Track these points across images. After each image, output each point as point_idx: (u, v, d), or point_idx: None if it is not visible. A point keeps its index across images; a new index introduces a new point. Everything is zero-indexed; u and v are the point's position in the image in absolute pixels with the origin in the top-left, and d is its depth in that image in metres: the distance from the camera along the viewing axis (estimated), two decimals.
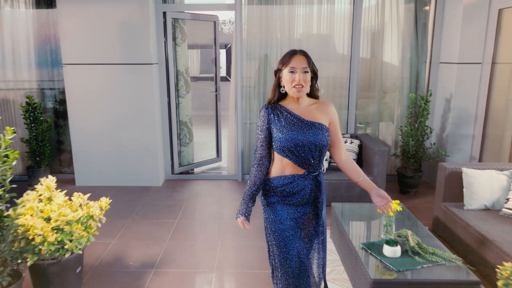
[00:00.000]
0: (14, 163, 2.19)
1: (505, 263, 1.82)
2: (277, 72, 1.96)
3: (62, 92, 5.02)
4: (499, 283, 1.77)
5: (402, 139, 4.52)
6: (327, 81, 5.02)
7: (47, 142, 4.76)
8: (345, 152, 2.01)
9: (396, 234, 2.60)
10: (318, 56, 4.94)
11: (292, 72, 1.88)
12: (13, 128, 2.21)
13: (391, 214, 2.15)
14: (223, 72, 10.57)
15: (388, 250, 2.46)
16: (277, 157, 1.94)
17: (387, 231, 2.62)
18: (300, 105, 1.93)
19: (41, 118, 4.67)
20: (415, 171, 4.45)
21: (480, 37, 4.20)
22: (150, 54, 4.56)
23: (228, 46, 10.24)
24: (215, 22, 5.32)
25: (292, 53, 1.95)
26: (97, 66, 4.57)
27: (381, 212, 1.92)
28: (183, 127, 5.29)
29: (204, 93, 7.36)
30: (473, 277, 2.21)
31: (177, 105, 5.13)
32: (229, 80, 6.18)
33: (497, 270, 1.86)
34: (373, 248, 2.57)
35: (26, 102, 4.56)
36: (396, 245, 2.47)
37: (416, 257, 2.41)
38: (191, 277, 2.92)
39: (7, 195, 2.19)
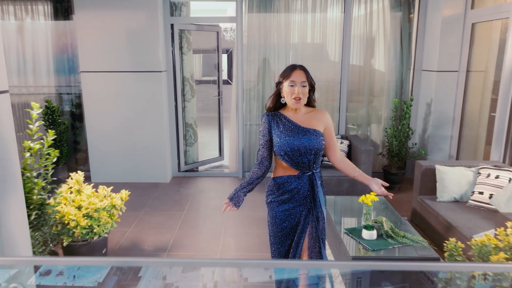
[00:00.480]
0: (54, 159, 2.62)
1: (450, 239, 2.25)
2: (278, 84, 2.19)
3: (78, 96, 5.46)
4: (445, 254, 2.20)
5: (387, 140, 4.95)
6: (321, 85, 5.45)
7: (65, 143, 5.19)
8: (339, 152, 2.30)
9: (373, 221, 3.02)
10: (312, 62, 5.38)
11: (292, 85, 2.11)
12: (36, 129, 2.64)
13: (390, 197, 2.36)
14: (224, 75, 11.00)
15: (366, 234, 2.89)
16: (277, 160, 2.22)
17: (366, 218, 3.05)
18: (298, 114, 2.18)
19: (59, 121, 5.10)
20: (399, 169, 4.88)
21: (456, 48, 4.63)
22: (159, 62, 4.99)
23: (229, 51, 10.67)
24: (217, 32, 5.75)
25: (293, 68, 2.15)
26: (111, 74, 5.00)
27: (381, 195, 2.21)
28: (188, 129, 5.72)
29: (207, 96, 7.80)
30: (434, 254, 2.64)
31: (183, 108, 5.57)
32: (230, 83, 6.60)
33: (444, 244, 2.29)
34: (354, 232, 2.99)
35: (45, 106, 5.00)
36: (373, 230, 2.89)
37: (389, 240, 2.83)
38: None
39: (49, 186, 2.62)
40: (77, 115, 5.58)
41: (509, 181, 3.30)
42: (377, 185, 2.17)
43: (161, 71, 5.02)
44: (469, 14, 4.48)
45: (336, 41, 5.33)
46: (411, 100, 4.77)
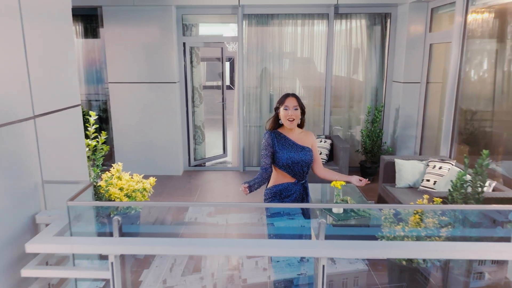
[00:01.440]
0: (106, 153, 3.52)
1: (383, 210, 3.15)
2: (276, 109, 2.68)
3: (105, 103, 6.37)
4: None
5: (362, 139, 5.85)
6: (309, 92, 6.34)
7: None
8: (321, 165, 2.83)
9: (341, 199, 3.92)
10: (302, 73, 6.27)
11: (286, 109, 2.58)
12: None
13: (368, 182, 3.03)
14: (227, 81, 11.91)
15: (335, 209, 3.78)
16: (275, 171, 2.69)
17: (336, 198, 3.95)
18: (293, 133, 2.67)
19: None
20: (373, 163, 5.77)
21: (418, 63, 5.53)
22: (173, 74, 5.90)
23: (232, 59, 11.57)
24: (222, 47, 6.66)
25: (286, 96, 2.64)
26: (134, 84, 5.91)
27: (361, 186, 2.64)
28: (197, 130, 6.62)
29: (211, 100, 8.70)
30: (375, 222, 3.54)
31: (193, 113, 6.47)
32: (233, 88, 7.48)
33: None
34: (327, 209, 3.89)
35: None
36: (342, 201, 3.79)
37: (352, 213, 3.73)
38: (210, 229, 4.25)
39: (100, 172, 3.52)
40: (104, 119, 6.49)
41: (448, 170, 4.19)
42: (356, 181, 2.62)
43: (175, 82, 5.92)
44: (427, 36, 5.38)
45: (321, 54, 6.23)
46: (382, 106, 5.67)
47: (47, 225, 2.21)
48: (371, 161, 5.75)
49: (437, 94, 5.36)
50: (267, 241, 2.41)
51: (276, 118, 2.69)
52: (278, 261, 3.06)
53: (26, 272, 1.95)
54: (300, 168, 2.67)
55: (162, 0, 5.62)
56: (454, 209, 2.72)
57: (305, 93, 6.34)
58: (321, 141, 5.76)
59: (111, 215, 3.24)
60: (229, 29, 7.73)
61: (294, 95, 2.65)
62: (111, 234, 2.03)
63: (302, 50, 6.28)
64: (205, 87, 9.85)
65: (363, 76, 6.25)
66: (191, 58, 6.27)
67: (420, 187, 4.33)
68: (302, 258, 2.95)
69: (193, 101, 6.44)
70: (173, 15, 5.77)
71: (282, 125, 2.68)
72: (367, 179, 2.67)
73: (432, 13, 5.29)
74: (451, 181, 2.82)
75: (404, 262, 2.78)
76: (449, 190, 2.84)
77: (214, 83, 10.52)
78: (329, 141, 5.79)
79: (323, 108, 6.31)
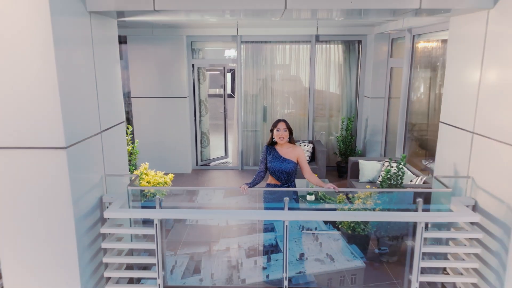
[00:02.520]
0: (137, 155, 4.67)
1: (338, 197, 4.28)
2: (271, 130, 3.61)
3: (127, 113, 7.52)
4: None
5: (338, 144, 6.99)
6: (296, 104, 7.48)
7: None
8: (310, 171, 3.56)
9: (314, 190, 5.06)
10: (291, 88, 7.42)
11: (278, 131, 3.52)
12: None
13: (337, 190, 4.05)
14: (228, 90, 13.06)
15: (308, 197, 4.92)
16: (270, 174, 3.64)
17: (311, 190, 5.08)
18: (282, 148, 3.55)
19: None
20: (346, 163, 6.90)
21: (382, 82, 6.67)
22: (184, 90, 7.04)
23: (232, 70, 12.71)
24: (224, 67, 7.81)
25: (278, 121, 3.57)
26: (151, 98, 7.05)
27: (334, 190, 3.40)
28: (203, 135, 7.77)
29: (214, 108, 9.83)
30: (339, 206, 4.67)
31: (200, 121, 7.62)
32: (233, 97, 8.60)
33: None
34: (303, 197, 5.02)
35: None
36: (312, 195, 4.93)
37: (321, 200, 4.86)
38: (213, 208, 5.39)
39: (134, 171, 4.66)
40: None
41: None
42: (331, 187, 3.43)
43: (185, 97, 7.07)
44: (389, 61, 6.52)
45: (306, 73, 7.36)
46: (353, 117, 6.81)
47: (110, 203, 3.35)
48: (345, 161, 6.88)
49: (396, 108, 6.50)
50: (250, 211, 3.56)
51: (272, 137, 3.64)
52: (277, 260, 3.88)
53: (104, 230, 3.10)
54: (280, 174, 3.56)
55: (176, 31, 6.76)
56: (384, 193, 3.86)
57: (293, 104, 7.48)
58: (304, 145, 6.90)
59: (148, 198, 4.40)
60: (229, 50, 8.89)
61: (284, 120, 3.59)
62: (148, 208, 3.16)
63: (290, 69, 7.43)
64: (209, 95, 11.01)
65: (340, 91, 7.39)
66: (198, 76, 7.42)
67: (377, 182, 5.47)
68: (301, 257, 3.86)
69: (200, 112, 7.59)
70: (184, 42, 6.92)
71: (276, 142, 3.62)
72: (333, 185, 3.64)
73: (392, 42, 6.44)
74: (381, 175, 3.96)
75: (349, 231, 3.92)
76: (379, 181, 3.98)
77: (217, 91, 11.67)
78: (311, 145, 6.92)
79: (307, 117, 7.45)
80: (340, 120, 7.29)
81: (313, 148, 6.90)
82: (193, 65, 7.22)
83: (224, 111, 8.04)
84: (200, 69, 7.44)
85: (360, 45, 7.09)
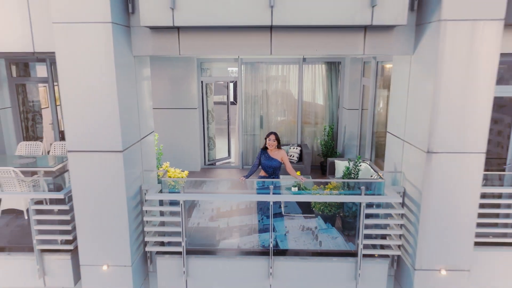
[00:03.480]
0: (161, 156, 5.96)
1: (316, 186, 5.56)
2: (265, 139, 5.23)
3: None
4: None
5: (321, 147, 8.28)
6: (287, 113, 8.76)
7: None
8: (290, 167, 5.14)
9: (297, 182, 6.34)
10: (283, 99, 8.70)
11: (269, 140, 5.14)
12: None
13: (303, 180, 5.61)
14: (231, 98, 14.36)
15: (293, 188, 6.19)
16: (260, 169, 5.34)
17: (295, 183, 6.37)
18: (271, 151, 5.14)
19: None
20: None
21: (357, 97, 7.94)
22: (194, 102, 8.33)
23: (234, 81, 14.01)
24: (228, 82, 9.11)
25: (270, 133, 5.18)
26: (167, 109, 8.34)
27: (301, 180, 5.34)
28: (210, 140, 9.06)
29: (219, 114, 11.09)
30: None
31: (207, 128, 8.91)
32: (235, 104, 9.90)
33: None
34: (288, 188, 6.29)
35: None
36: (296, 186, 6.20)
37: (302, 190, 6.13)
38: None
39: (160, 168, 5.96)
40: None
41: (363, 166, 6.60)
42: (301, 179, 5.06)
43: (195, 108, 8.36)
44: (362, 80, 7.80)
45: (295, 87, 8.65)
46: (333, 125, 8.09)
47: (146, 190, 4.64)
48: (326, 161, 8.16)
49: (367, 117, 7.77)
50: (246, 194, 4.87)
51: (265, 143, 5.23)
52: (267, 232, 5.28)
53: (145, 207, 4.41)
54: (268, 168, 5.15)
55: None
56: (343, 183, 5.14)
57: (284, 113, 8.76)
58: (294, 148, 8.19)
59: (171, 187, 5.66)
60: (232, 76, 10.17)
61: (274, 133, 5.16)
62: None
63: (282, 84, 8.71)
64: (215, 103, 12.30)
65: (324, 103, 8.67)
66: (206, 91, 8.72)
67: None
68: (286, 233, 5.20)
69: (207, 120, 8.89)
70: (195, 63, 8.22)
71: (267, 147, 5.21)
72: (302, 177, 5.07)
73: (364, 65, 7.71)
74: (343, 170, 5.26)
75: (320, 212, 5.19)
76: (342, 176, 5.26)
77: (221, 98, 12.96)
78: (299, 148, 8.21)
79: (297, 124, 8.73)
80: (323, 127, 8.58)
81: (301, 151, 8.18)
82: (202, 81, 8.52)
83: (227, 119, 9.33)
84: (207, 84, 8.74)
85: (340, 66, 8.37)
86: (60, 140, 8.38)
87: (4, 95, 8.07)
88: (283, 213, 5.47)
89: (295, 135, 8.76)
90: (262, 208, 5.28)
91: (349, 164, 5.60)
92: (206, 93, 8.76)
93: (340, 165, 6.90)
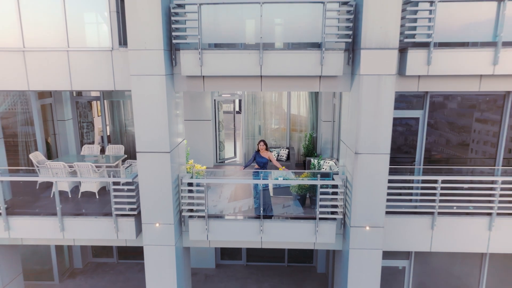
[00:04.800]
0: (188, 156, 8.38)
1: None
2: (257, 144, 7.97)
3: None
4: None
5: (304, 149, 10.65)
6: (278, 122, 11.13)
7: None
8: (275, 161, 7.94)
9: (281, 176, 8.72)
10: (277, 110, 11.09)
11: (260, 145, 7.92)
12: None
13: (281, 169, 8.05)
14: (236, 108, 16.80)
15: (280, 179, 8.56)
16: (255, 163, 8.00)
17: (280, 176, 8.75)
18: (262, 152, 7.92)
19: None
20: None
21: (330, 112, 10.29)
22: (209, 115, 10.73)
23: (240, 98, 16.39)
24: (234, 100, 11.52)
25: (260, 140, 8.06)
26: (189, 121, 10.74)
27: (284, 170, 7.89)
28: (221, 143, 11.47)
29: (227, 122, 13.50)
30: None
31: (218, 134, 11.32)
32: (240, 113, 12.34)
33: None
34: (276, 178, 8.66)
35: None
36: (281, 177, 8.56)
37: (285, 179, 8.50)
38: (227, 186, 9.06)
39: (188, 162, 8.36)
40: None
41: (330, 163, 8.97)
42: (283, 168, 7.81)
43: (209, 120, 10.77)
44: (334, 100, 10.16)
45: (285, 103, 11.02)
46: (313, 132, 10.47)
47: (182, 177, 7.03)
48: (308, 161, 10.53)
49: (336, 128, 10.11)
50: (246, 179, 7.31)
51: (258, 147, 7.69)
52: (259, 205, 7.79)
53: (182, 187, 6.83)
54: (260, 163, 7.71)
55: None
56: (310, 172, 7.51)
57: (277, 123, 11.13)
58: (283, 150, 10.56)
59: (196, 176, 8.09)
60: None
61: (263, 140, 7.77)
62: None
63: (275, 100, 11.09)
64: (224, 112, 14.72)
65: (306, 115, 11.04)
66: (217, 106, 11.14)
67: (322, 170, 9.10)
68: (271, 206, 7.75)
69: (218, 129, 11.30)
70: None
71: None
72: (285, 168, 7.54)
73: None
74: (311, 165, 7.65)
75: (294, 192, 7.56)
76: (311, 169, 7.64)
77: (228, 107, 15.41)
78: (287, 150, 10.58)
79: (286, 131, 11.11)
80: (305, 134, 10.97)
81: (288, 152, 10.55)
82: (214, 100, 10.93)
83: (234, 126, 11.74)
84: (218, 102, 11.15)
85: None
86: (104, 143, 10.81)
87: (67, 110, 10.53)
88: (271, 194, 7.83)
89: (285, 140, 11.14)
90: (257, 189, 7.67)
91: (315, 161, 7.98)
92: (218, 108, 11.17)
93: (322, 163, 9.27)
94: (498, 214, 6.83)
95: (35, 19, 6.68)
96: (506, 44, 6.02)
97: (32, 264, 10.48)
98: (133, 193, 6.91)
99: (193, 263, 11.01)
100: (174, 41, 6.39)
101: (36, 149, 9.68)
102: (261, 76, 6.53)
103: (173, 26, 6.34)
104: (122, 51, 6.62)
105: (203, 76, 6.63)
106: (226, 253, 11.49)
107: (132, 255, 11.56)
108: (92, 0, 6.67)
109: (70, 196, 8.12)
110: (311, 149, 10.53)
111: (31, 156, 8.65)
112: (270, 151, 9.62)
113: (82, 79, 6.76)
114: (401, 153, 7.46)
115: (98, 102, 10.83)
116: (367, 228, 6.63)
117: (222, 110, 11.37)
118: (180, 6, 6.31)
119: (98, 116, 11.35)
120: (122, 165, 8.79)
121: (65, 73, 6.72)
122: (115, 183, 6.92)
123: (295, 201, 7.69)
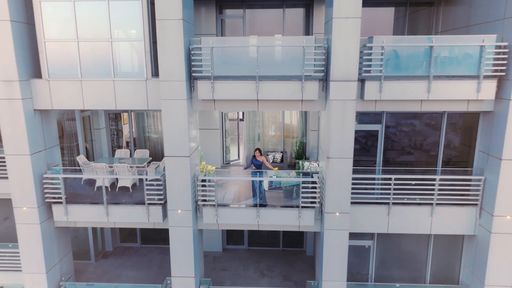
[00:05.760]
0: (202, 158, 10.42)
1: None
2: (254, 151, 9.97)
3: None
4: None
5: (295, 153, 12.66)
6: (275, 130, 13.14)
7: None
8: (268, 164, 9.95)
9: (274, 175, 10.72)
10: (273, 120, 13.11)
11: (256, 152, 9.90)
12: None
13: (276, 169, 9.99)
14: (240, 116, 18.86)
15: (274, 176, 10.56)
16: (253, 165, 10.03)
17: (278, 173, 10.76)
18: (257, 157, 9.86)
19: None
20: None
21: (316, 122, 12.29)
22: (217, 125, 12.75)
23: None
24: (238, 118, 13.56)
25: (256, 149, 9.97)
26: (201, 130, 12.78)
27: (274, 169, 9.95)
28: (227, 148, 13.51)
29: (232, 129, 15.53)
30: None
31: (225, 140, 13.35)
32: (243, 120, 14.39)
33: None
34: (271, 176, 10.67)
35: None
36: (275, 175, 10.57)
37: (282, 180, 10.50)
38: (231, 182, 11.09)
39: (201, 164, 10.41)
40: None
41: (315, 165, 10.96)
42: (273, 168, 9.88)
43: (218, 129, 12.80)
44: (319, 112, 12.14)
45: (280, 116, 13.02)
46: (303, 139, 12.49)
47: (198, 175, 9.07)
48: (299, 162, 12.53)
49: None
50: (247, 176, 9.35)
51: (254, 153, 9.70)
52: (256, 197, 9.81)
53: (198, 183, 8.88)
54: (256, 165, 9.65)
55: None
56: (297, 172, 9.52)
57: (273, 130, 13.14)
58: (278, 153, 12.56)
59: (207, 174, 10.15)
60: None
61: (258, 148, 9.80)
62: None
63: (272, 112, 13.10)
64: (230, 119, 16.78)
65: (297, 125, 13.04)
66: (224, 117, 13.17)
67: (307, 170, 11.09)
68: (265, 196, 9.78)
69: (225, 136, 13.34)
70: None
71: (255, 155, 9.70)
72: (276, 168, 9.58)
73: None
74: (297, 166, 9.66)
75: (284, 188, 9.56)
76: (297, 169, 9.65)
77: (233, 115, 17.50)
78: (281, 153, 12.59)
79: (281, 138, 13.11)
80: (296, 141, 12.98)
81: (282, 155, 12.55)
82: (221, 112, 12.96)
83: (238, 133, 13.77)
84: (225, 113, 13.19)
85: None
86: (129, 148, 12.88)
87: (101, 120, 12.62)
88: (266, 189, 9.84)
89: (280, 145, 13.15)
90: (254, 185, 9.71)
91: (300, 163, 9.99)
92: (224, 119, 13.22)
93: (303, 165, 11.28)
94: (437, 204, 8.79)
95: (90, 55, 8.75)
96: (436, 77, 8.00)
97: (74, 246, 12.57)
98: (161, 187, 8.96)
99: (204, 247, 13.05)
100: (193, 74, 8.44)
101: (79, 153, 11.78)
102: (257, 100, 8.55)
103: (192, 63, 8.38)
104: (154, 81, 8.68)
105: (214, 100, 8.67)
106: (231, 239, 13.52)
107: (153, 240, 13.63)
108: (131, 42, 8.73)
109: (109, 190, 10.18)
110: (301, 153, 12.53)
111: (77, 158, 10.74)
112: (266, 155, 11.70)
113: (124, 100, 8.82)
114: (366, 157, 9.44)
115: (126, 113, 12.92)
116: (337, 214, 8.62)
117: (228, 120, 13.42)
118: (197, 48, 8.35)
119: (124, 124, 13.44)
120: (148, 166, 10.85)
121: (112, 96, 8.79)
122: (148, 180, 8.98)
123: (284, 194, 9.69)
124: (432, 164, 9.29)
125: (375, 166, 9.36)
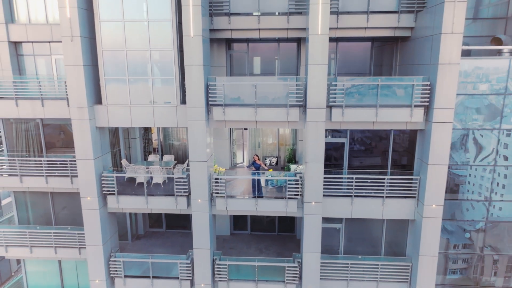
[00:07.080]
0: (215, 162, 13.49)
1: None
2: (253, 157, 13.05)
3: None
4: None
5: (287, 158, 15.68)
6: (272, 139, 16.16)
7: None
8: (263, 165, 13.00)
9: (270, 174, 13.74)
10: (270, 132, 16.14)
11: (254, 157, 12.99)
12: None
13: (271, 170, 12.89)
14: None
15: (270, 176, 13.57)
16: (252, 166, 13.07)
17: (272, 174, 13.78)
18: (256, 161, 12.89)
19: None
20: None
21: (303, 133, 15.29)
22: (226, 135, 15.80)
23: None
24: (243, 128, 16.63)
25: (255, 155, 13.07)
26: (215, 140, 15.85)
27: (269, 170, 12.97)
28: (233, 153, 16.56)
29: (237, 136, 18.56)
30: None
31: (232, 147, 16.41)
32: (246, 129, 17.43)
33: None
34: (268, 175, 13.68)
35: None
36: (270, 175, 13.58)
37: (274, 179, 13.51)
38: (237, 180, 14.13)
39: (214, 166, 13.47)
40: None
41: (300, 166, 13.97)
42: (267, 168, 12.94)
43: (227, 139, 15.85)
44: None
45: (275, 129, 16.03)
46: (294, 146, 15.51)
47: (212, 175, 12.13)
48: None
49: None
50: (248, 176, 12.44)
51: (254, 158, 12.77)
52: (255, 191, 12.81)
53: (213, 181, 11.98)
54: (255, 167, 12.68)
55: None
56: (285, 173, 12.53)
57: (271, 139, 16.15)
58: (274, 158, 15.58)
59: (222, 173, 13.29)
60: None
61: (256, 155, 12.84)
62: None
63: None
64: (236, 129, 19.86)
65: (290, 135, 16.04)
66: (232, 129, 16.23)
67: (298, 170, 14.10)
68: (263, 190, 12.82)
69: (232, 144, 16.39)
70: None
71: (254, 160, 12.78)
72: (272, 169, 12.64)
73: None
74: (285, 168, 12.69)
75: (275, 184, 12.57)
76: (285, 170, 12.67)
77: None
78: (276, 158, 15.61)
79: (276, 145, 16.12)
80: (288, 148, 15.98)
81: (277, 159, 15.55)
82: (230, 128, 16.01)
83: (242, 140, 16.86)
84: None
85: None
86: (157, 153, 15.98)
87: (136, 131, 15.78)
88: (263, 185, 12.87)
89: (276, 151, 16.16)
90: (254, 182, 12.78)
91: (288, 166, 13.04)
92: (232, 130, 16.28)
93: (292, 167, 14.30)
94: (387, 196, 11.76)
95: (136, 90, 11.87)
96: (382, 106, 10.98)
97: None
98: (186, 183, 12.05)
99: (216, 231, 16.12)
100: (210, 102, 11.52)
101: (121, 158, 14.95)
102: (256, 121, 11.60)
103: (209, 94, 11.46)
104: (182, 107, 11.78)
105: (225, 120, 11.73)
106: (237, 225, 16.57)
107: (175, 226, 16.74)
108: (167, 79, 11.84)
109: (146, 185, 13.31)
110: (292, 158, 15.54)
111: (122, 161, 13.89)
112: (265, 159, 14.77)
113: (160, 120, 11.93)
114: (336, 161, 12.42)
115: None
116: (313, 203, 11.62)
117: (235, 130, 16.50)
118: (213, 84, 11.43)
119: (152, 133, 16.58)
120: (174, 167, 13.95)
121: (151, 118, 11.91)
122: (177, 178, 12.09)
123: (276, 189, 12.72)
124: (384, 167, 12.25)
125: (342, 168, 12.35)
